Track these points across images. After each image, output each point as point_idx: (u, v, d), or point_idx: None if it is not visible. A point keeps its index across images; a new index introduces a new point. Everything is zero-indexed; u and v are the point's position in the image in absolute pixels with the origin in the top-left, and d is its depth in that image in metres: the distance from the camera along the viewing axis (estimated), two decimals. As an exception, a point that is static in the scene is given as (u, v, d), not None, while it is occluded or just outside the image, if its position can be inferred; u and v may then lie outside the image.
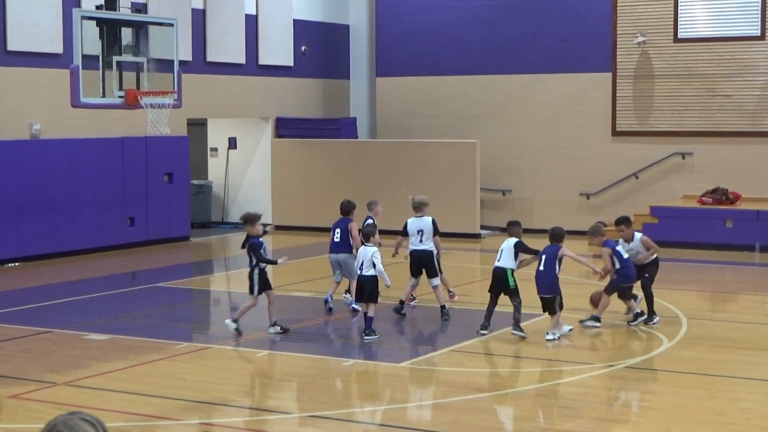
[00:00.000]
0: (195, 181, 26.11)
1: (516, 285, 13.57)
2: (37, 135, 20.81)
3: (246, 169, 27.14)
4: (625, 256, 14.22)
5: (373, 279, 13.45)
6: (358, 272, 13.57)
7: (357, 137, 27.20)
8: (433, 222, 15.09)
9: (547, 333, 13.36)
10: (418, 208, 15.20)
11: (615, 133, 25.12)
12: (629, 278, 14.28)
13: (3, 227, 19.99)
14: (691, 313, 15.27)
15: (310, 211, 25.75)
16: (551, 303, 13.44)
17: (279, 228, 25.98)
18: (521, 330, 13.42)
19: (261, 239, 13.81)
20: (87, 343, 13.38)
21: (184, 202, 23.87)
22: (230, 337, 13.78)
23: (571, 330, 13.62)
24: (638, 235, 14.63)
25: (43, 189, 20.70)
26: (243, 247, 13.89)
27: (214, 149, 27.63)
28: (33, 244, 20.55)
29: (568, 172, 25.51)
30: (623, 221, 14.77)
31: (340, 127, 26.60)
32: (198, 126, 26.82)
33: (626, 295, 14.45)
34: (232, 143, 26.83)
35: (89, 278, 18.96)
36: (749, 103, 23.92)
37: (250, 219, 13.83)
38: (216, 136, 27.52)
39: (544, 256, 13.52)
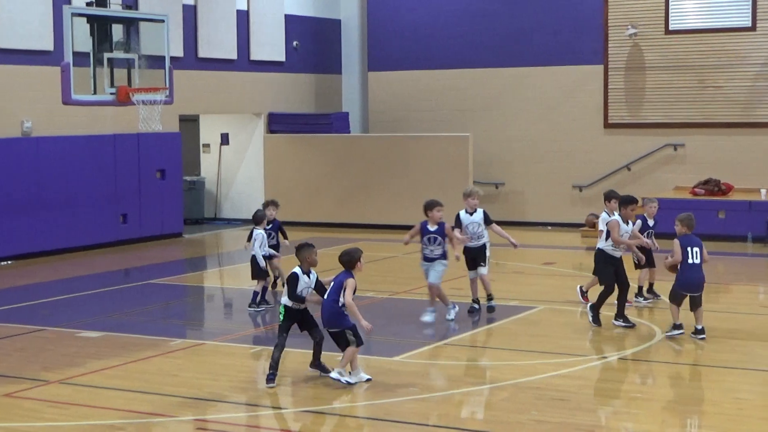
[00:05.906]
0: (187, 178, 26.08)
1: None
2: (28, 133, 20.77)
3: (239, 164, 27.11)
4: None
5: None
6: None
7: (349, 132, 27.18)
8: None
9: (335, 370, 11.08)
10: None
11: (607, 125, 25.13)
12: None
13: (-5, 225, 19.97)
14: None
15: (304, 206, 25.75)
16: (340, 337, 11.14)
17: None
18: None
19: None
20: (81, 341, 13.38)
21: (176, 198, 23.84)
22: (224, 333, 13.82)
23: (369, 380, 11.04)
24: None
25: (35, 187, 20.66)
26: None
27: (207, 145, 27.60)
28: (25, 241, 20.52)
29: (560, 165, 25.52)
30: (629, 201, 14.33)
31: (333, 122, 26.58)
32: (190, 122, 26.79)
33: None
34: (225, 139, 26.80)
35: (82, 276, 18.94)
36: (740, 93, 23.93)
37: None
38: (208, 132, 27.49)
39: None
